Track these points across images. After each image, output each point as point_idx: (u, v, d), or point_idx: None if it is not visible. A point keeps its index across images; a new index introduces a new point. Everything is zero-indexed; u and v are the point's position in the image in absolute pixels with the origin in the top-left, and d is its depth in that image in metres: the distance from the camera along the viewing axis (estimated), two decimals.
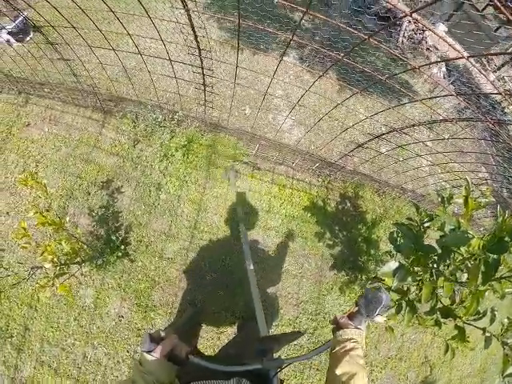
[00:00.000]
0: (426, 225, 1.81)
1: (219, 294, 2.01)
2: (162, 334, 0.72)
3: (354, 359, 0.76)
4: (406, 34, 3.75)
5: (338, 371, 0.74)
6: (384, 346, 2.44)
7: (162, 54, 2.49)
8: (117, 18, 1.41)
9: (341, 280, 2.26)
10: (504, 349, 1.65)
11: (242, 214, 1.91)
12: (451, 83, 3.69)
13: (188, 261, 2.04)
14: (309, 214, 2.24)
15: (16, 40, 2.93)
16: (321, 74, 1.35)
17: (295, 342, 2.06)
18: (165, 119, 2.17)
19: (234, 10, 2.85)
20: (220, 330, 1.98)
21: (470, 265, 1.42)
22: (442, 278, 1.51)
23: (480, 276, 1.28)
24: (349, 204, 2.40)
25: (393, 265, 1.69)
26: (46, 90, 2.61)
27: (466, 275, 1.62)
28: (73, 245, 1.66)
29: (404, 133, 1.83)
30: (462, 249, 1.49)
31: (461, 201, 1.57)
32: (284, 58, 2.79)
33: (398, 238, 1.95)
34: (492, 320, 1.76)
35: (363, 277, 2.30)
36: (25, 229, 1.51)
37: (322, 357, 2.13)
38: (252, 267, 1.51)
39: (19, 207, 2.25)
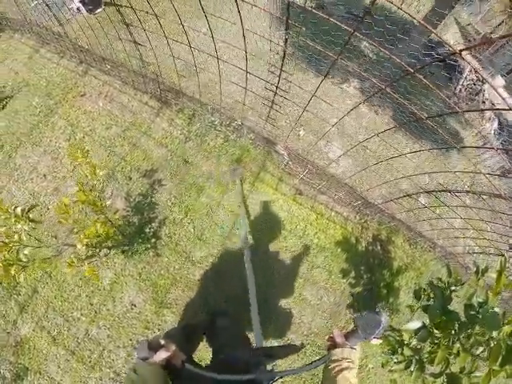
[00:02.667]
0: (452, 288, 1.79)
1: (231, 308, 2.00)
2: (162, 342, 0.71)
3: (348, 379, 0.77)
4: (465, 83, 3.69)
5: None
6: None
7: (238, 61, 2.46)
8: (205, 18, 1.39)
9: (352, 322, 2.23)
10: None
11: (242, 217, 1.88)
12: (500, 141, 3.62)
13: (213, 269, 2.04)
14: (339, 249, 2.22)
15: (86, 10, 2.98)
16: (362, 100, 1.33)
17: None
18: (221, 124, 2.17)
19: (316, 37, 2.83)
20: None
21: (492, 344, 1.40)
22: (460, 347, 1.48)
23: (500, 358, 1.26)
24: (379, 247, 2.37)
25: (416, 324, 1.67)
26: (107, 65, 2.64)
27: (480, 348, 1.59)
28: (107, 229, 1.66)
29: (449, 191, 1.80)
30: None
31: (494, 276, 1.55)
32: (344, 87, 2.78)
33: (423, 296, 1.93)
34: None
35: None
36: (66, 206, 1.52)
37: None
38: (252, 276, 1.50)
39: (57, 173, 2.29)
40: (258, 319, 1.20)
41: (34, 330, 1.87)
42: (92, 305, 1.95)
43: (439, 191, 1.92)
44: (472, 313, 1.55)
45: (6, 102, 2.66)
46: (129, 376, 0.66)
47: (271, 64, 1.54)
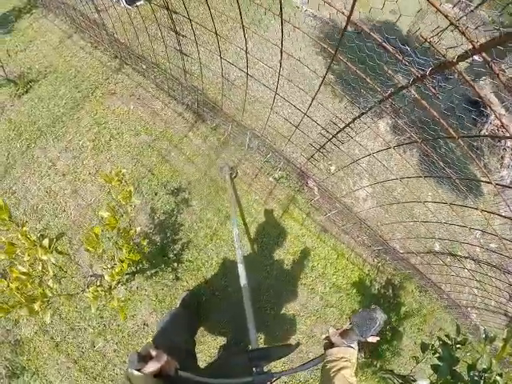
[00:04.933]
0: (459, 346, 1.87)
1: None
2: (152, 352, 0.70)
3: (346, 378, 0.77)
4: (489, 128, 3.70)
5: None
6: None
7: (294, 98, 2.39)
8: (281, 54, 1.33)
9: (358, 361, 2.29)
10: None
11: (233, 213, 1.83)
12: None
13: (231, 301, 2.03)
14: (354, 290, 2.25)
15: (126, 1, 2.83)
16: (392, 146, 1.35)
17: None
18: (258, 151, 2.13)
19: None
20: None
21: None
22: None
23: None
24: (391, 291, 2.42)
25: (425, 382, 1.75)
26: (143, 65, 2.54)
27: None
28: (134, 256, 1.59)
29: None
30: None
31: (500, 344, 1.63)
32: (378, 123, 2.76)
33: (429, 350, 1.99)
34: None
35: (378, 364, 2.34)
36: (97, 236, 1.40)
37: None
38: (245, 277, 1.49)
39: (78, 174, 2.21)
40: (253, 320, 1.21)
41: (36, 333, 1.84)
42: (102, 318, 1.93)
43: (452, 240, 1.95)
44: (476, 378, 1.63)
45: (30, 86, 2.54)
46: None
47: (336, 116, 1.50)
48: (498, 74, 0.81)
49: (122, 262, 1.57)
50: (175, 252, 2.04)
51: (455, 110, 3.53)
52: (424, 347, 1.90)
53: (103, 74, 2.60)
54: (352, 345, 0.85)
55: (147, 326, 1.98)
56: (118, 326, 1.95)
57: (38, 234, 1.35)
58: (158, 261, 1.99)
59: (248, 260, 2.09)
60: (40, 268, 1.33)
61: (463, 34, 0.75)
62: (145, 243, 1.66)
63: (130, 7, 2.92)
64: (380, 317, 0.85)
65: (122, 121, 2.42)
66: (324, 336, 0.95)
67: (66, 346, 1.85)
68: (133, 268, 1.88)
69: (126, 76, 2.58)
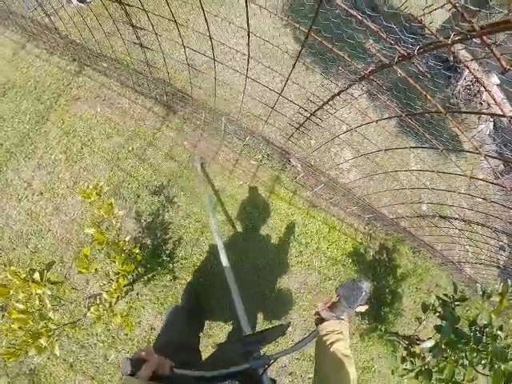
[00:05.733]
0: (458, 303, 1.93)
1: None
2: (143, 354, 0.71)
3: (340, 351, 0.77)
4: (464, 84, 3.72)
5: (325, 364, 0.76)
6: None
7: (270, 80, 2.31)
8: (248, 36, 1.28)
9: (363, 327, 2.36)
10: None
11: (208, 201, 1.83)
12: (496, 144, 3.75)
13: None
14: (350, 260, 2.29)
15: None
16: (374, 120, 1.36)
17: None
18: (235, 136, 2.09)
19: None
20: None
21: (496, 366, 1.56)
22: (467, 363, 1.64)
23: (503, 380, 1.42)
24: (385, 255, 2.47)
25: (430, 343, 1.81)
26: (104, 64, 2.42)
27: (482, 365, 1.76)
28: (129, 267, 1.57)
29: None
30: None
31: (497, 299, 1.70)
32: (351, 91, 2.73)
33: (429, 310, 2.05)
34: None
35: (382, 328, 2.41)
36: (87, 256, 1.39)
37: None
38: (227, 263, 1.47)
39: (56, 190, 2.13)
40: (242, 306, 1.21)
41: (48, 359, 1.82)
42: (109, 331, 1.92)
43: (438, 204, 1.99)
44: (478, 335, 1.70)
45: None
46: None
47: (313, 94, 1.47)
48: (499, 59, 0.78)
49: (117, 274, 1.55)
50: (168, 252, 2.01)
51: (430, 71, 3.53)
52: (424, 308, 1.96)
53: (64, 80, 2.47)
54: (342, 317, 0.85)
55: (154, 329, 1.98)
56: (127, 335, 1.95)
57: (28, 269, 1.31)
58: (153, 264, 1.96)
59: (241, 246, 2.09)
60: (37, 302, 1.31)
61: (462, 15, 0.72)
62: (137, 251, 1.63)
63: (82, 4, 2.75)
64: (365, 286, 0.86)
65: (90, 126, 2.32)
66: (314, 312, 0.95)
67: (79, 364, 1.85)
68: (129, 278, 1.85)
69: (87, 78, 2.46)
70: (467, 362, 1.61)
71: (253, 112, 2.19)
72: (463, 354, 1.65)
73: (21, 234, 2.03)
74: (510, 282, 1.69)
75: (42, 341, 1.26)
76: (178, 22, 1.50)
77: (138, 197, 2.09)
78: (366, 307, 0.90)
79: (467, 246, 2.71)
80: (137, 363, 0.66)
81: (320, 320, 0.88)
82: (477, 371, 1.62)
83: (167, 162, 2.16)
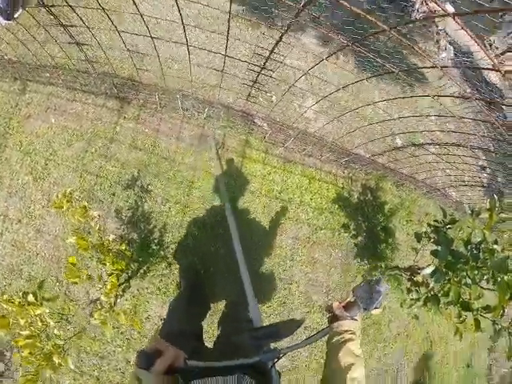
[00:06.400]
0: (449, 226, 1.97)
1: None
2: (160, 348, 0.69)
3: (352, 350, 0.78)
4: (418, 16, 3.71)
5: (336, 363, 0.77)
6: (394, 326, 2.69)
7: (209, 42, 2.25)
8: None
9: (363, 268, 2.41)
10: (510, 339, 1.90)
11: (225, 190, 1.83)
12: (458, 68, 3.78)
13: (231, 266, 2.04)
14: (336, 206, 2.32)
15: (4, 17, 2.53)
16: (324, 57, 1.35)
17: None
18: (194, 110, 2.06)
19: None
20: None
21: (499, 279, 1.61)
22: (470, 281, 1.69)
23: (509, 291, 1.46)
24: (370, 195, 2.50)
25: (430, 269, 1.85)
26: (47, 74, 2.34)
27: (485, 280, 1.81)
28: (120, 265, 1.59)
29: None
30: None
31: (486, 215, 1.74)
32: (303, 39, 2.70)
33: (423, 238, 2.09)
34: (502, 315, 2.01)
35: (382, 264, 2.47)
36: (74, 265, 1.39)
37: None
38: (240, 249, 1.41)
39: (32, 213, 2.09)
40: (254, 295, 1.17)
41: (74, 379, 1.83)
42: (122, 334, 1.93)
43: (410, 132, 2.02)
44: (475, 252, 1.73)
45: None
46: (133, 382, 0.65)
47: (258, 46, 1.44)
48: None
49: (110, 275, 1.54)
50: (156, 241, 2.01)
51: (379, 3, 3.50)
52: (418, 237, 1.99)
53: (10, 102, 2.38)
54: (355, 317, 0.85)
55: (165, 319, 1.99)
56: (139, 333, 1.96)
57: (21, 293, 1.30)
58: (144, 256, 1.96)
59: (225, 220, 2.08)
60: (40, 324, 1.31)
61: None
62: (124, 247, 1.62)
63: (10, 22, 2.63)
64: (383, 288, 0.86)
65: (49, 139, 2.26)
66: (327, 309, 0.94)
67: (105, 375, 1.87)
68: (124, 276, 1.85)
69: (34, 93, 2.38)
70: (470, 281, 1.65)
71: (207, 82, 2.16)
72: (464, 274, 1.69)
73: (12, 267, 2.01)
74: (496, 197, 1.73)
75: (55, 358, 1.27)
76: (105, 9, 1.45)
77: (114, 195, 2.07)
78: (380, 310, 0.91)
79: (448, 170, 2.76)
80: (151, 356, 0.65)
81: (334, 318, 0.88)
82: (481, 287, 1.66)
83: (133, 153, 2.13)
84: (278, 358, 0.81)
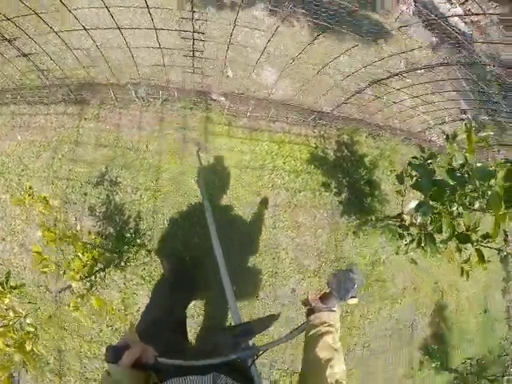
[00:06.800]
0: (429, 161, 1.90)
1: None
2: (127, 340, 0.69)
3: (329, 343, 0.75)
4: None
5: (313, 357, 0.74)
6: (399, 280, 2.60)
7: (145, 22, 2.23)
8: None
9: (352, 224, 2.34)
10: None
11: (204, 191, 1.77)
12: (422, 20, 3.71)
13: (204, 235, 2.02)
14: (312, 166, 2.26)
15: None
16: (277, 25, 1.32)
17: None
18: (148, 96, 2.06)
19: None
20: None
21: (488, 193, 1.52)
22: (460, 207, 1.60)
23: (503, 203, 1.37)
24: (346, 150, 2.44)
25: (414, 203, 1.76)
26: (7, 95, 2.38)
27: (477, 204, 1.71)
28: (91, 253, 1.58)
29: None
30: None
31: (464, 136, 1.66)
32: (254, 12, 2.68)
33: (406, 178, 2.02)
34: (505, 240, 1.90)
35: (372, 217, 2.39)
36: (40, 253, 1.41)
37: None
38: (220, 250, 1.29)
39: (14, 229, 2.10)
40: (233, 294, 1.12)
41: None
42: (117, 330, 1.92)
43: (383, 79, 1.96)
44: (458, 175, 1.65)
45: None
46: (105, 378, 0.64)
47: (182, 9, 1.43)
48: None
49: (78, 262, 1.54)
50: (132, 230, 1.99)
51: None
52: (400, 178, 1.93)
53: None
54: (333, 308, 0.83)
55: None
56: (134, 324, 1.94)
57: None
58: (122, 247, 1.95)
59: (199, 199, 2.06)
60: (12, 314, 1.31)
61: None
62: (93, 236, 1.61)
63: None
64: (357, 276, 0.84)
65: (19, 156, 2.28)
66: (303, 302, 0.93)
67: None
68: (100, 265, 1.84)
69: None
70: (461, 209, 1.56)
71: (151, 64, 2.14)
72: (454, 203, 1.61)
73: None
74: (470, 117, 1.65)
75: (27, 345, 1.28)
76: (37, 13, 1.47)
77: (86, 194, 2.07)
78: (357, 299, 0.88)
79: (425, 117, 2.69)
80: (119, 351, 0.65)
81: (311, 311, 0.86)
82: (474, 210, 1.58)
83: (99, 150, 2.13)
84: (257, 356, 0.80)
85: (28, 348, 1.22)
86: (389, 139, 2.58)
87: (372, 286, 2.41)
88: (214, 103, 2.16)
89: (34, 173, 2.22)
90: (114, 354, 0.65)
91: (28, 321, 1.30)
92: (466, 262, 2.18)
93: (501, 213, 1.33)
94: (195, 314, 2.00)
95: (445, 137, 1.79)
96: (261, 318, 1.10)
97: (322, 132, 2.36)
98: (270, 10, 2.62)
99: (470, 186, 1.58)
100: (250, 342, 0.85)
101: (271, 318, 0.96)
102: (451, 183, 1.55)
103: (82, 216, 2.03)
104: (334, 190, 2.31)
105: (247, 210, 2.11)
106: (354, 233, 2.32)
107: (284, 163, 2.20)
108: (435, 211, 1.67)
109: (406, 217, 1.94)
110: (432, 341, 2.77)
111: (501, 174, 1.33)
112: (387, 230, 2.37)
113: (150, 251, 1.97)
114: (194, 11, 1.41)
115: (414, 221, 1.95)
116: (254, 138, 2.17)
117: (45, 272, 1.42)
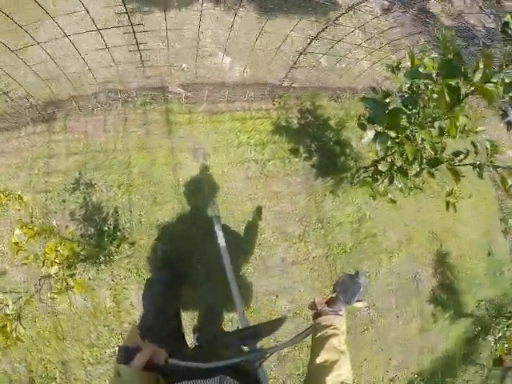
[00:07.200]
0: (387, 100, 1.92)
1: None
2: (141, 344, 0.70)
3: (335, 346, 0.76)
4: None
5: (319, 359, 0.75)
6: (391, 233, 2.58)
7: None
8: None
9: (329, 184, 2.36)
10: (497, 171, 1.79)
11: (213, 203, 1.89)
12: None
13: (183, 221, 2.06)
14: (277, 137, 2.31)
15: None
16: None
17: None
18: (110, 99, 2.16)
19: None
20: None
21: (434, 97, 1.54)
22: (419, 129, 1.62)
23: (448, 99, 1.40)
24: (310, 116, 2.49)
25: (371, 134, 1.78)
26: None
27: (437, 124, 1.74)
28: (70, 246, 1.59)
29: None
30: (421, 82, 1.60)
31: (408, 63, 1.70)
32: (199, 8, 2.81)
33: (367, 125, 2.04)
34: (476, 151, 1.91)
35: (348, 175, 2.41)
36: (17, 243, 1.43)
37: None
38: (229, 262, 1.38)
39: (2, 250, 2.16)
40: (240, 298, 1.18)
41: None
42: (114, 330, 1.94)
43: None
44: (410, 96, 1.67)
45: None
46: (113, 378, 0.65)
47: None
48: None
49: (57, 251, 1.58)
50: (113, 226, 2.04)
51: None
52: (361, 125, 1.95)
53: None
54: (340, 312, 0.85)
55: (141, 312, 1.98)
56: (129, 323, 1.96)
57: None
58: (104, 244, 1.99)
59: (171, 188, 2.10)
60: None
61: None
62: (70, 230, 1.67)
63: None
64: (362, 281, 0.88)
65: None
66: (310, 305, 0.95)
67: None
68: (81, 257, 1.87)
69: None
70: (422, 132, 1.58)
71: (105, 70, 2.24)
72: (412, 127, 1.63)
73: None
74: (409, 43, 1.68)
75: (8, 327, 1.30)
76: None
77: (64, 201, 2.13)
78: (365, 304, 0.93)
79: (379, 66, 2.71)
80: (131, 352, 0.66)
81: (317, 315, 0.88)
82: (434, 128, 1.59)
83: (71, 158, 2.21)
84: (265, 359, 0.81)
85: (9, 331, 1.23)
86: (350, 98, 2.63)
87: (363, 243, 2.39)
88: (172, 95, 2.24)
89: (14, 191, 2.30)
90: (126, 354, 0.66)
91: (9, 304, 1.32)
92: (449, 194, 2.17)
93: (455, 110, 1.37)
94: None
95: (389, 67, 1.84)
96: (268, 322, 1.14)
97: (282, 103, 2.42)
98: (215, 2, 2.75)
99: (421, 104, 1.60)
100: (258, 345, 0.87)
101: (278, 322, 0.98)
102: (403, 108, 1.58)
103: (65, 223, 2.08)
104: (304, 155, 2.34)
105: (219, 191, 2.15)
106: (331, 192, 2.33)
107: (248, 138, 2.25)
108: (397, 141, 1.69)
109: (371, 154, 1.93)
110: (440, 291, 2.71)
111: (429, 63, 1.38)
112: (366, 183, 2.37)
113: (132, 243, 2.00)
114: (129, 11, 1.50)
115: (378, 155, 1.95)
116: (215, 120, 2.24)
117: (26, 263, 1.44)
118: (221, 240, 1.52)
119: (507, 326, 2.53)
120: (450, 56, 1.37)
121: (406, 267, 2.57)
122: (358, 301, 0.88)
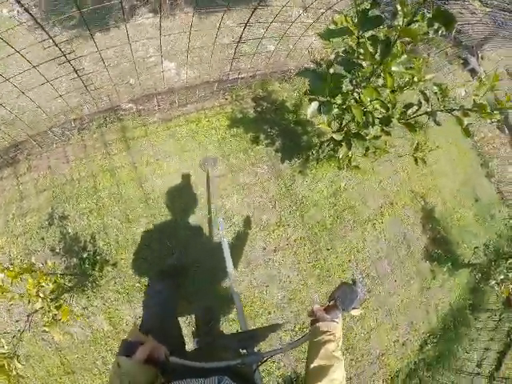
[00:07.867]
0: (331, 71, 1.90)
1: None
2: (142, 338, 0.72)
3: (331, 351, 0.78)
4: None
5: (315, 364, 0.77)
6: (371, 200, 2.56)
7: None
8: None
9: (296, 165, 2.36)
10: (452, 114, 1.77)
11: (216, 210, 1.95)
12: None
13: (160, 230, 2.08)
14: (235, 129, 2.32)
15: None
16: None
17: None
18: (67, 130, 2.20)
19: None
20: None
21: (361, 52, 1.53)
22: (363, 90, 1.61)
23: (371, 50, 1.40)
24: (266, 103, 2.48)
25: (315, 104, 1.77)
26: None
27: (374, 79, 1.73)
28: (54, 279, 1.64)
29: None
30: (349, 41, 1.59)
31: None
32: (138, 21, 2.83)
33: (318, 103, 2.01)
34: (425, 99, 1.88)
35: (313, 152, 2.40)
36: (1, 286, 1.48)
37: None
38: (233, 272, 1.52)
39: None
40: (241, 304, 1.27)
41: None
42: (112, 350, 1.98)
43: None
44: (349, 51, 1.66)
45: None
46: (114, 370, 0.67)
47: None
48: None
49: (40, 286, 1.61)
50: (92, 251, 2.07)
51: None
52: (311, 99, 1.94)
53: None
54: (336, 319, 0.88)
55: (138, 315, 2.02)
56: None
57: None
58: (88, 270, 2.02)
59: (135, 202, 2.13)
60: None
61: None
62: (49, 264, 1.71)
63: None
64: (360, 289, 0.93)
65: None
66: (308, 312, 0.97)
67: None
68: (66, 286, 1.91)
69: None
70: (365, 91, 1.57)
71: (55, 98, 2.27)
72: (357, 90, 1.62)
73: None
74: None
75: (5, 366, 1.35)
76: None
77: (43, 239, 2.17)
78: (361, 311, 0.97)
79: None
80: (133, 346, 0.69)
81: (315, 321, 0.91)
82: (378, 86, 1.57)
83: (41, 196, 2.24)
84: (262, 362, 0.84)
85: (6, 366, 1.28)
86: (301, 79, 2.61)
87: (343, 216, 2.39)
88: (124, 112, 2.26)
89: None
90: (128, 347, 0.68)
91: (5, 346, 1.37)
92: (416, 149, 2.15)
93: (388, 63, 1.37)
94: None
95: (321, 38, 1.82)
96: (266, 326, 1.16)
97: (234, 96, 2.42)
98: (154, 11, 2.76)
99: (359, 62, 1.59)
100: (256, 349, 0.89)
101: (276, 327, 1.10)
102: (342, 72, 1.58)
103: (47, 258, 2.12)
104: (266, 141, 2.35)
105: (185, 192, 2.16)
106: (300, 172, 2.33)
107: (205, 137, 2.26)
108: (344, 107, 1.68)
109: (321, 126, 1.92)
110: (433, 246, 2.70)
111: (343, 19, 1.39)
112: (332, 159, 2.37)
113: (114, 264, 2.04)
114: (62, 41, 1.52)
115: (331, 128, 1.93)
116: (170, 127, 2.25)
117: (11, 303, 1.49)
118: (229, 264, 1.63)
119: (507, 269, 2.50)
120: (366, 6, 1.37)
121: (393, 230, 2.56)
122: (354, 308, 0.91)
